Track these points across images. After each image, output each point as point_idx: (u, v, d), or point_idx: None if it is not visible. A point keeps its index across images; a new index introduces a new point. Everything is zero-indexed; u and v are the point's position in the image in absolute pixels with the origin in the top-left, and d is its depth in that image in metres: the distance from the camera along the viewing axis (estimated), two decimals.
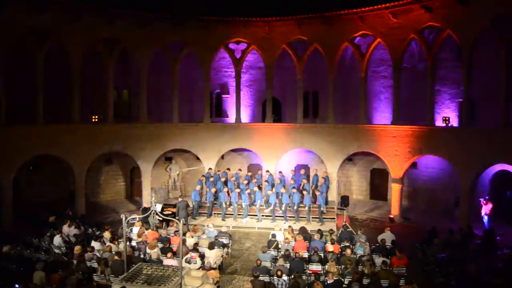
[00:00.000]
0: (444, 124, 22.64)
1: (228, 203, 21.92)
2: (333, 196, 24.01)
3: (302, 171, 24.44)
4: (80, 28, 21.80)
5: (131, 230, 17.46)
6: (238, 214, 21.89)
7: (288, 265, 13.80)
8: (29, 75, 21.81)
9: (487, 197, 20.15)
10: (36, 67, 21.41)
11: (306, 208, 21.08)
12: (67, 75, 22.40)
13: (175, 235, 16.37)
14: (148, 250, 15.03)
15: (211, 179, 23.02)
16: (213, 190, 22.19)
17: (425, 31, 21.93)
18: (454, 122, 22.95)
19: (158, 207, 18.26)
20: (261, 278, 12.81)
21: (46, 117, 21.78)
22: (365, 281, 12.52)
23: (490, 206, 19.85)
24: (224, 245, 16.47)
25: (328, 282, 12.12)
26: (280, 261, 13.74)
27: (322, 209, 21.11)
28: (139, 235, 16.42)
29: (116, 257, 13.33)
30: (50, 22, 21.00)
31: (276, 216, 21.59)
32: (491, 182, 22.22)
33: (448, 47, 23.10)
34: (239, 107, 25.90)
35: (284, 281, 12.69)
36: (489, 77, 21.09)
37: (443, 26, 20.64)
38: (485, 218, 19.94)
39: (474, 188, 20.67)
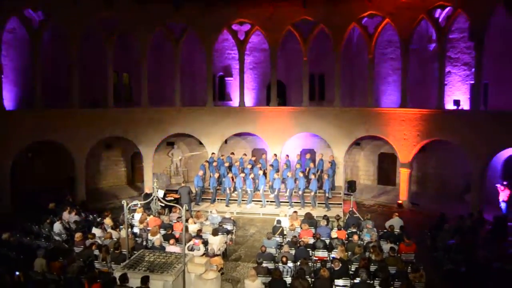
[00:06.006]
0: (455, 107, 22.47)
1: (232, 189, 21.97)
2: (340, 181, 24.00)
3: (308, 156, 24.46)
4: (78, 9, 21.61)
5: (133, 217, 17.50)
6: (242, 200, 21.93)
7: (293, 252, 13.84)
8: (27, 59, 21.76)
9: (505, 183, 19.96)
10: (33, 50, 21.34)
11: (312, 193, 21.04)
12: (66, 58, 22.31)
13: (178, 222, 16.43)
14: (150, 237, 15.08)
15: (214, 164, 23.04)
16: (216, 175, 22.21)
17: (435, 10, 21.66)
18: (465, 105, 22.76)
19: (160, 193, 18.21)
20: (265, 264, 12.86)
21: (45, 102, 21.76)
22: (372, 267, 12.55)
23: (508, 192, 19.67)
24: (228, 232, 16.53)
25: (335, 268, 12.13)
26: (286, 248, 13.75)
27: (327, 194, 21.12)
28: (141, 222, 16.47)
29: (116, 251, 13.35)
30: (47, 3, 20.86)
31: (281, 201, 21.62)
32: (503, 166, 22.10)
33: (459, 27, 22.87)
34: (243, 90, 25.75)
35: (290, 267, 12.73)
36: (501, 58, 20.86)
37: (454, 5, 20.37)
38: (503, 205, 19.80)
39: (485, 173, 20.58)
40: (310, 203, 21.27)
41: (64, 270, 12.06)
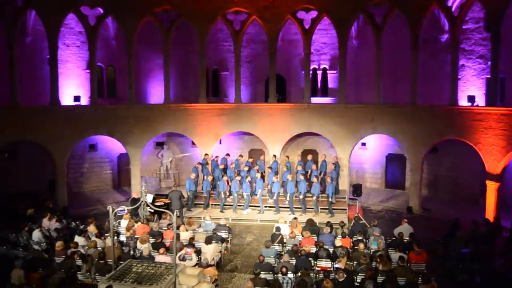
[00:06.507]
0: (469, 104, 22.52)
1: (227, 193, 22.00)
2: (344, 184, 24.00)
3: (310, 157, 24.43)
4: None
5: (119, 224, 17.50)
6: (238, 205, 21.94)
7: (294, 262, 13.87)
8: (2, 52, 21.74)
9: None
10: (9, 42, 21.32)
11: (314, 198, 21.10)
12: (45, 50, 22.30)
13: (168, 229, 16.43)
14: (138, 246, 15.10)
15: (208, 166, 23.05)
16: (210, 178, 22.22)
17: None
18: (481, 101, 22.83)
19: (149, 198, 18.28)
20: (263, 275, 12.89)
21: (23, 99, 21.72)
22: (380, 278, 12.59)
23: None
24: (222, 240, 16.52)
25: (339, 280, 12.16)
26: (285, 257, 13.79)
27: (331, 199, 21.16)
28: (128, 229, 16.47)
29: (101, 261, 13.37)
30: None
31: (281, 207, 21.65)
32: None
33: (473, 17, 22.94)
34: (239, 86, 25.72)
35: (290, 279, 12.76)
36: None
37: None
38: None
39: (502, 175, 20.65)
40: (312, 208, 21.31)
41: (44, 282, 12.08)
